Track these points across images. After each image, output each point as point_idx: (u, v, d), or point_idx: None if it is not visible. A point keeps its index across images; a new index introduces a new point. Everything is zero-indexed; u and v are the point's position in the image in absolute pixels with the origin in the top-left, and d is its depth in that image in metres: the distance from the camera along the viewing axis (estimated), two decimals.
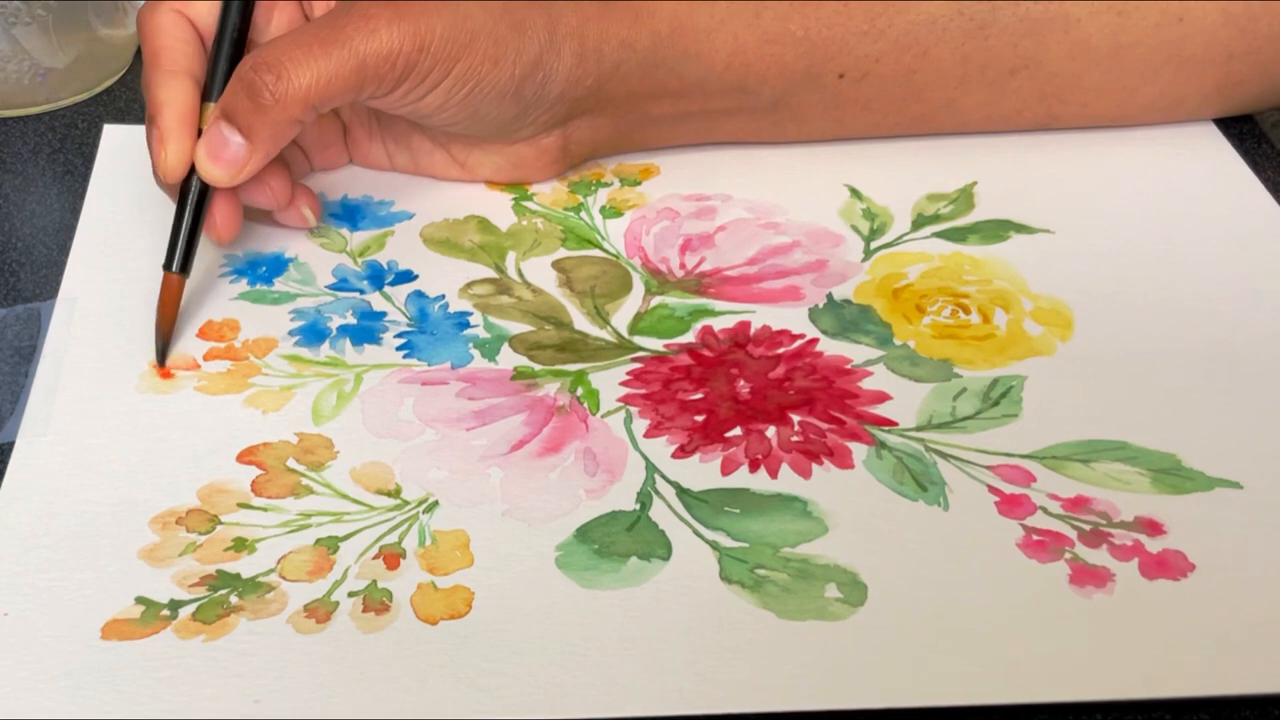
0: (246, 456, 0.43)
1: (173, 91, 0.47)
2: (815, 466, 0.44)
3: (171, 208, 0.51)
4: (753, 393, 0.46)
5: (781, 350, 0.48)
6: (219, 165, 0.46)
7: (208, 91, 0.48)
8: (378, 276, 0.51)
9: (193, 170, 0.47)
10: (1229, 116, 0.59)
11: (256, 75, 0.46)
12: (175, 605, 0.39)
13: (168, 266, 0.47)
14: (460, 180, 0.55)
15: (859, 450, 0.44)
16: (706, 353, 0.48)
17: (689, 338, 0.48)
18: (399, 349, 0.48)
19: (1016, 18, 0.54)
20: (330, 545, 0.41)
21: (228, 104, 0.46)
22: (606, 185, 0.55)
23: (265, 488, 0.42)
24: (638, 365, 0.47)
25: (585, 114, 0.53)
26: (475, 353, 0.48)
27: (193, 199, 0.47)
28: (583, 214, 0.54)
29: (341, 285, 0.50)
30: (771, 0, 0.52)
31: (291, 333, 0.48)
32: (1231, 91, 0.57)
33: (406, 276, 0.51)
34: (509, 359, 0.47)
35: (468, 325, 0.49)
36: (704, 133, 0.56)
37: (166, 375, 0.46)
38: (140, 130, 0.57)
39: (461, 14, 0.48)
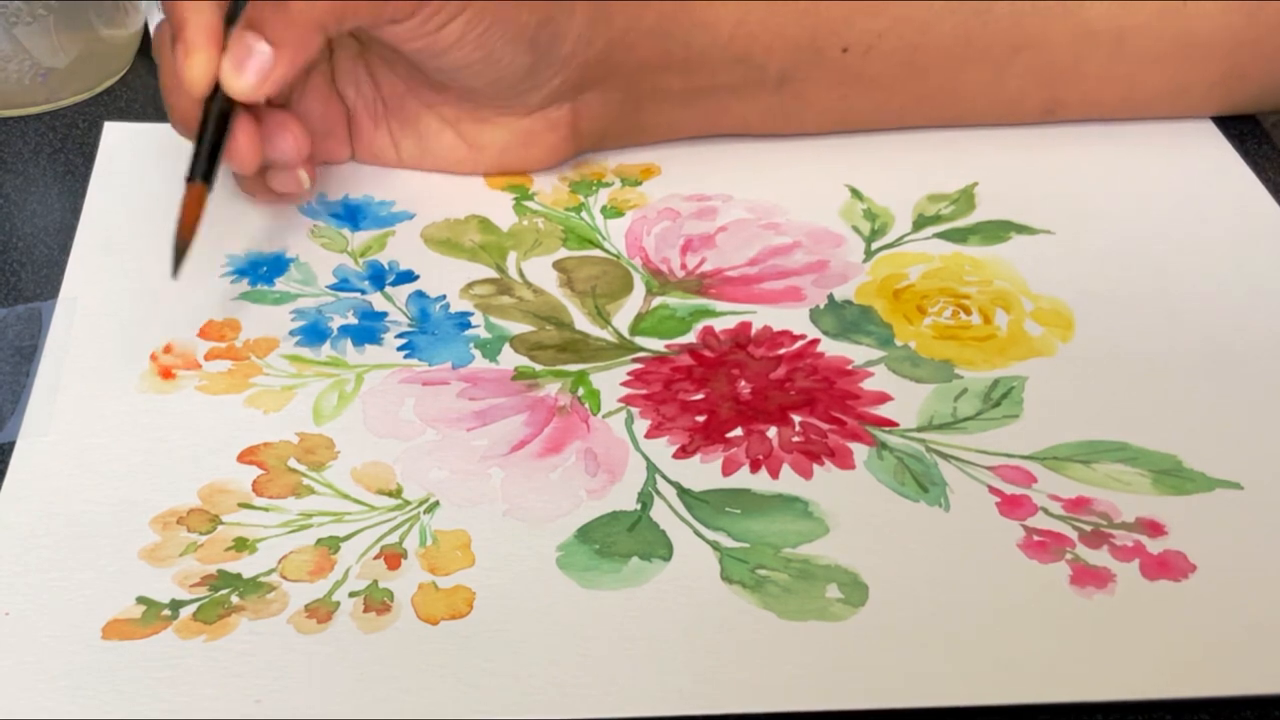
0: (247, 456, 0.43)
1: (198, 8, 0.46)
2: (816, 467, 0.44)
3: (172, 209, 0.51)
4: (754, 393, 0.46)
5: (782, 351, 0.48)
6: (244, 74, 0.46)
7: (231, 16, 0.47)
8: (379, 277, 0.51)
9: (215, 90, 0.47)
10: (1231, 116, 0.59)
11: None
12: (176, 605, 0.39)
13: (190, 177, 0.47)
14: (467, 170, 0.55)
15: (860, 451, 0.44)
16: (707, 353, 0.48)
17: (690, 338, 0.48)
18: (400, 349, 0.48)
19: None
20: (331, 545, 0.41)
21: (253, 13, 0.46)
22: (607, 185, 0.55)
23: (266, 488, 0.42)
24: (639, 366, 0.47)
25: (595, 86, 0.53)
26: (476, 353, 0.48)
27: (215, 114, 0.47)
28: (584, 214, 0.54)
29: (342, 285, 0.50)
30: None
31: (292, 333, 0.48)
32: (1236, 84, 0.57)
33: (407, 277, 0.51)
34: (510, 359, 0.47)
35: (469, 325, 0.49)
36: (712, 115, 0.56)
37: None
38: (141, 128, 0.57)
39: None
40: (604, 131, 0.55)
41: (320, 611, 0.39)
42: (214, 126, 0.47)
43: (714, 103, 0.55)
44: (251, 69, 0.46)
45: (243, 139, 0.48)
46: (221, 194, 0.54)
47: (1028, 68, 0.55)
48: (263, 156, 0.49)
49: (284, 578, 0.40)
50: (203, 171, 0.47)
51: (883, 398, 0.46)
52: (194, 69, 0.46)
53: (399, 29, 0.48)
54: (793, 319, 0.49)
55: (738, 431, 0.45)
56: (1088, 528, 0.42)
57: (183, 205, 0.47)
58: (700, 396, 0.46)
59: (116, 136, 0.57)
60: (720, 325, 0.49)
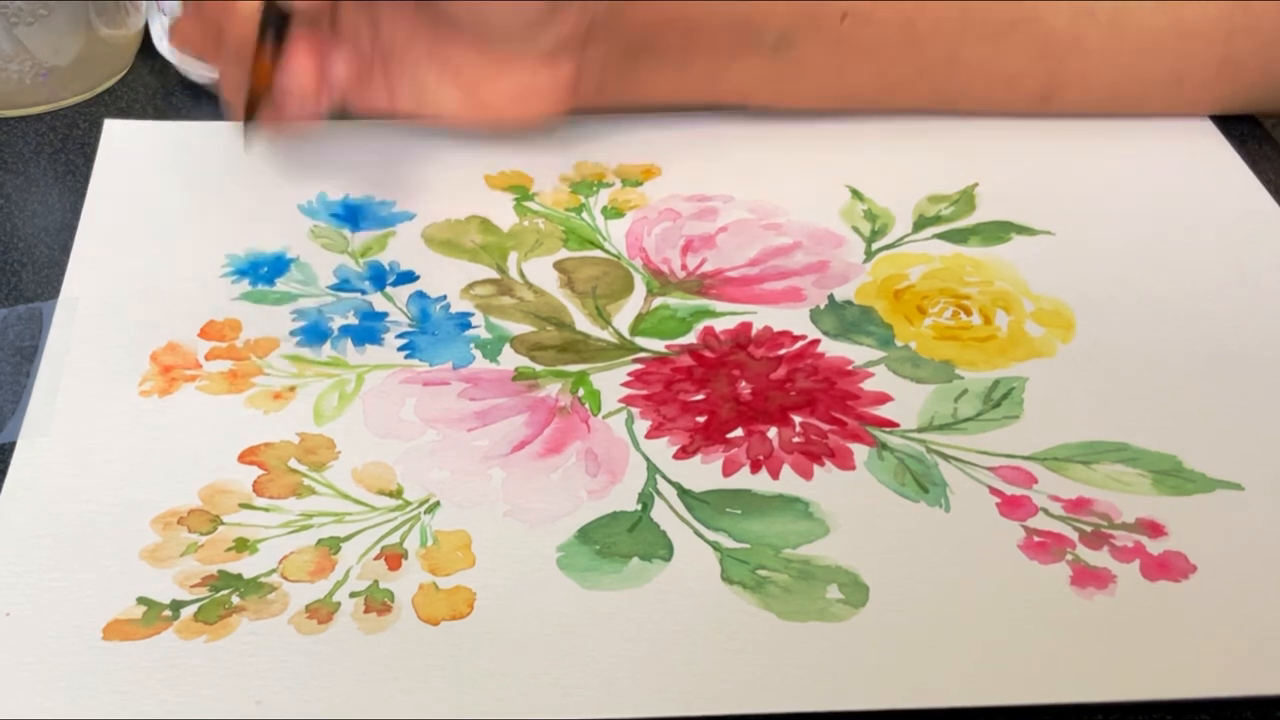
0: (248, 457, 0.43)
1: None
2: (816, 468, 0.44)
3: (173, 209, 0.51)
4: (754, 394, 0.46)
5: (783, 351, 0.48)
6: None
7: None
8: (379, 277, 0.51)
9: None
10: (1231, 116, 0.59)
11: None
12: (177, 606, 0.39)
13: (261, 38, 0.47)
14: (461, 122, 0.54)
15: (860, 451, 0.44)
16: (708, 354, 0.48)
17: (690, 339, 0.48)
18: (400, 349, 0.48)
19: None
20: (332, 546, 0.41)
21: None
22: (608, 185, 0.56)
23: (267, 488, 0.42)
24: (639, 366, 0.47)
25: (598, 43, 0.53)
26: (477, 353, 0.48)
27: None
28: (584, 214, 0.54)
29: (343, 286, 0.50)
30: None
31: (293, 333, 0.48)
32: (1234, 74, 0.57)
33: (408, 277, 0.51)
34: (510, 359, 0.47)
35: (469, 326, 0.49)
36: (708, 80, 0.56)
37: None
38: (143, 125, 0.57)
39: None
40: (601, 89, 0.54)
41: (321, 612, 0.39)
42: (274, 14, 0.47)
43: (711, 66, 0.55)
44: None
45: (303, 61, 0.48)
46: (222, 194, 0.54)
47: (1026, 40, 0.55)
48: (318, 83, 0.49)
49: (285, 578, 0.40)
50: (275, 33, 0.47)
51: (883, 398, 0.46)
52: None
53: None
54: (793, 319, 0.49)
55: (738, 432, 0.45)
56: (1088, 528, 0.42)
57: (253, 64, 0.47)
58: (701, 397, 0.46)
59: (117, 133, 0.57)
60: (721, 326, 0.49)
